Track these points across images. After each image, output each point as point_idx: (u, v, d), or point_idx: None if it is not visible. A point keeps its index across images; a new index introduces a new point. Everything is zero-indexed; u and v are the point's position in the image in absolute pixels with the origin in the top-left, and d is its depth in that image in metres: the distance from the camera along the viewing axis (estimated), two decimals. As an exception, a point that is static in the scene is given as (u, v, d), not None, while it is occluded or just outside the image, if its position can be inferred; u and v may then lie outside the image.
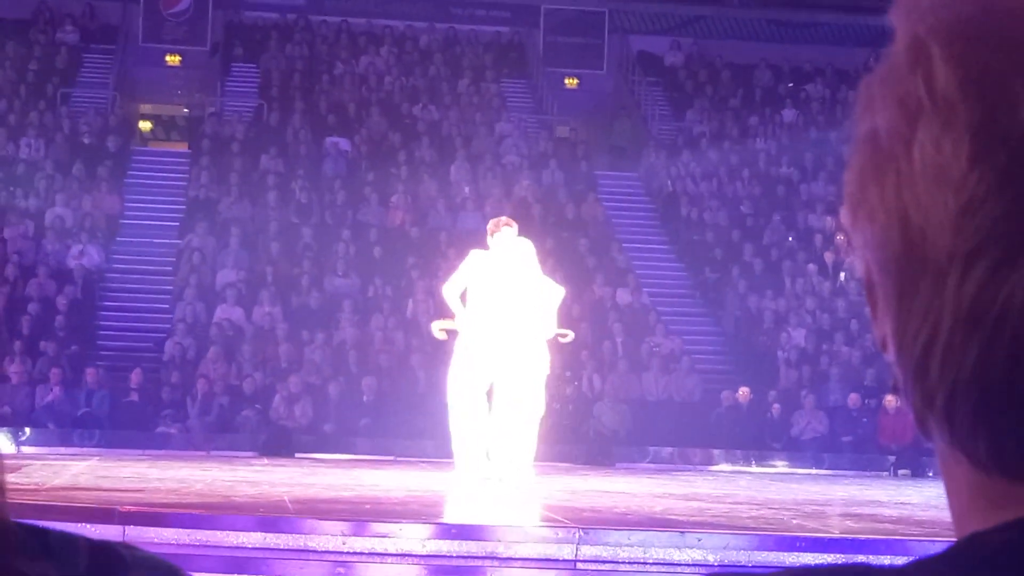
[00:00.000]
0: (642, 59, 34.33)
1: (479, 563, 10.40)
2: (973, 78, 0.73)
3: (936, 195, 0.74)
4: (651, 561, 10.37)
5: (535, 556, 10.51)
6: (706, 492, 14.75)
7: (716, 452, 22.49)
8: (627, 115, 33.32)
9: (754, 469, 21.61)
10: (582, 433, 23.07)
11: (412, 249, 26.97)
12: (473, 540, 10.74)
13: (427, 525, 10.92)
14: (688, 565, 10.29)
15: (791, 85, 33.60)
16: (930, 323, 0.76)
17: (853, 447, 22.50)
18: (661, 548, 10.46)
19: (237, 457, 19.82)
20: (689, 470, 19.84)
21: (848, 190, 0.81)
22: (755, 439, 22.72)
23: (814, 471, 21.36)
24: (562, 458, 21.88)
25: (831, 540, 10.48)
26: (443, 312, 15.24)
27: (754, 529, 10.84)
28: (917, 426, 0.79)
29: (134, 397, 23.07)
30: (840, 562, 0.80)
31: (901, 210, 0.76)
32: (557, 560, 10.39)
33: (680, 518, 11.34)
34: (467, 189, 29.02)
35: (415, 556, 10.45)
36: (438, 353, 24.41)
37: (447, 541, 10.68)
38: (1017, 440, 0.74)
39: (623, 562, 10.34)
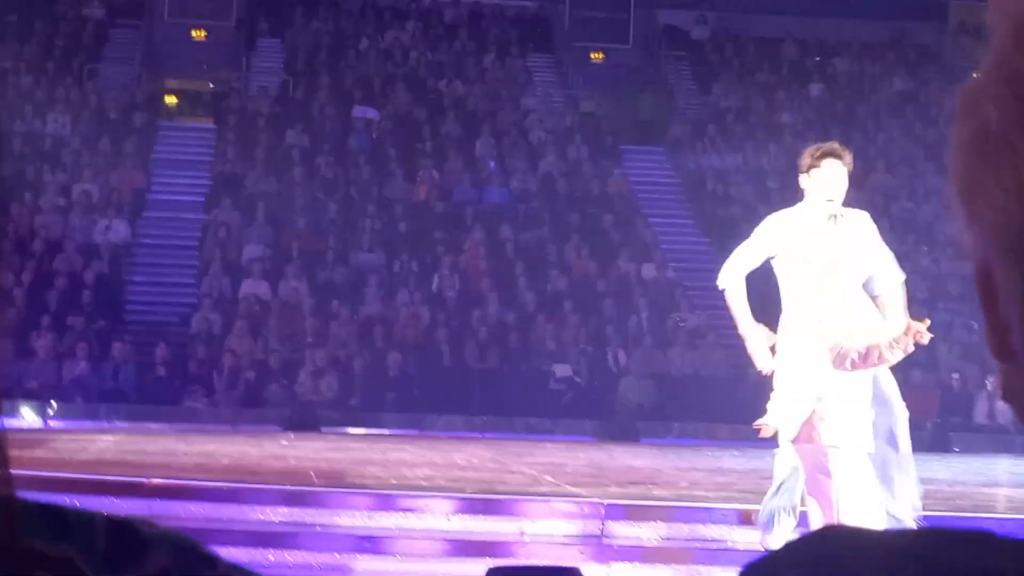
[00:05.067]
0: (668, 33, 34.22)
1: (504, 538, 10.41)
2: None
3: None
4: (677, 536, 10.38)
5: (560, 531, 10.53)
6: (732, 467, 14.75)
7: (742, 428, 22.44)
8: (653, 90, 33.23)
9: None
10: (608, 407, 23.08)
11: (438, 224, 26.97)
12: (499, 515, 10.77)
13: (452, 500, 10.94)
14: (714, 540, 10.29)
15: (818, 59, 33.46)
16: None
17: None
18: (687, 524, 10.47)
19: (263, 432, 19.89)
20: (715, 445, 19.83)
21: (958, 189, 0.81)
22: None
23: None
24: (587, 432, 21.91)
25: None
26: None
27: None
28: None
29: (160, 371, 23.14)
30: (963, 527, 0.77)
31: (1021, 184, 0.77)
32: (583, 535, 10.41)
33: (707, 493, 11.33)
34: (492, 164, 28.99)
35: (441, 530, 10.48)
36: (464, 329, 24.46)
37: (473, 516, 10.70)
38: None
39: (649, 537, 10.35)
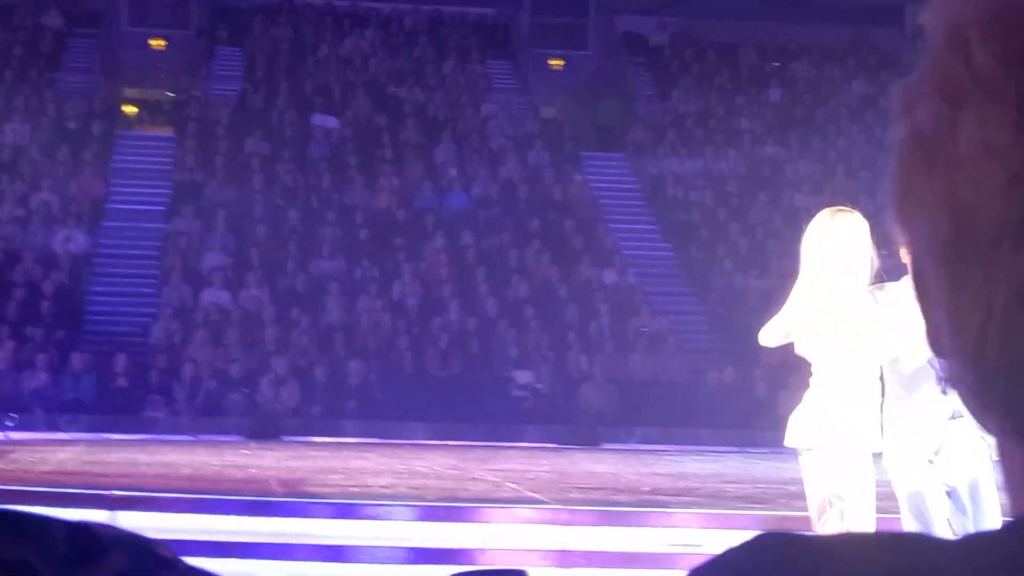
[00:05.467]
0: (627, 39, 34.29)
1: (466, 545, 10.41)
2: (1012, 54, 0.75)
3: (984, 170, 0.75)
4: (639, 541, 10.40)
5: (523, 538, 10.53)
6: (693, 471, 14.78)
7: (703, 432, 22.53)
8: (613, 95, 33.29)
9: (741, 449, 21.64)
10: (569, 413, 23.10)
11: (398, 231, 26.96)
12: (461, 522, 10.77)
13: (415, 507, 10.93)
14: (676, 545, 10.31)
15: (777, 64, 33.59)
16: (985, 302, 0.76)
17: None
18: (648, 528, 10.49)
19: (224, 441, 19.83)
20: (676, 450, 19.88)
21: (893, 190, 0.83)
22: (742, 418, 22.75)
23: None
24: (548, 438, 21.92)
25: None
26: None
27: (743, 507, 10.87)
28: (975, 417, 0.79)
29: (121, 382, 23.05)
30: (898, 531, 0.79)
31: (950, 192, 0.77)
32: (545, 542, 10.41)
33: (667, 498, 11.36)
34: (453, 171, 29.00)
35: (403, 538, 10.47)
36: (425, 336, 24.44)
37: (435, 523, 10.70)
38: None
39: (611, 543, 10.37)
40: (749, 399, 23.22)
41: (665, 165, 29.80)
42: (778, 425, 23.18)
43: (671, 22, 34.47)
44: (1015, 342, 0.75)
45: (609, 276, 26.37)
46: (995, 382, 0.76)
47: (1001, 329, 0.75)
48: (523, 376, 23.69)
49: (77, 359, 23.09)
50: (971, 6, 0.78)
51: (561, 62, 34.71)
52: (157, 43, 33.90)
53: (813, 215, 8.28)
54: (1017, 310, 0.74)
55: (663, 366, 24.35)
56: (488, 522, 10.67)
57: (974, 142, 0.76)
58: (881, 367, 7.30)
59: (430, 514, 10.78)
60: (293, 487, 11.86)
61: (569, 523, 10.48)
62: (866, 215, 7.36)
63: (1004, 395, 0.76)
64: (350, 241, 26.75)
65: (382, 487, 11.90)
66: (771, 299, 27.26)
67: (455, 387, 23.37)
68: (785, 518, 10.57)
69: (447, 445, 20.10)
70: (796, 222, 30.80)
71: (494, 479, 13.07)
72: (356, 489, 11.69)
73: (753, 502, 11.12)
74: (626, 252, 27.44)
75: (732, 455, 19.23)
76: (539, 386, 23.63)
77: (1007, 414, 0.76)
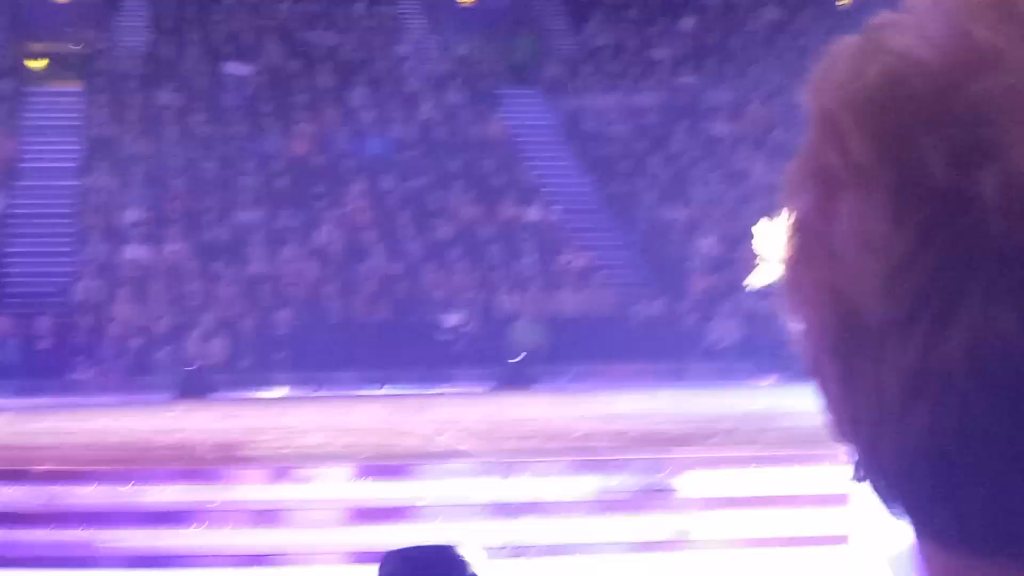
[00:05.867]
0: (539, -28, 34.04)
1: (402, 503, 10.37)
2: (886, 141, 0.72)
3: (864, 263, 0.72)
4: (573, 490, 10.40)
5: (457, 493, 10.50)
6: (626, 411, 14.80)
7: (634, 366, 22.57)
8: (526, 32, 33.09)
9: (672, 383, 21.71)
10: (499, 354, 23.08)
11: (318, 178, 26.74)
12: (397, 478, 10.72)
13: (349, 466, 10.88)
14: (612, 491, 10.32)
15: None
16: (876, 398, 0.73)
17: (773, 351, 22.55)
18: (585, 476, 10.48)
19: (153, 401, 19.64)
20: (609, 387, 19.91)
21: (783, 279, 0.78)
22: (672, 351, 22.82)
23: (733, 382, 21.41)
24: (480, 380, 21.90)
25: (751, 457, 10.54)
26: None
27: (679, 447, 10.88)
28: (888, 511, 0.75)
29: (45, 344, 22.77)
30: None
31: (833, 286, 0.74)
32: (480, 495, 10.38)
33: (601, 444, 11.36)
34: (370, 114, 28.76)
35: (337, 499, 10.42)
36: (351, 282, 24.32)
37: (371, 481, 10.64)
38: (981, 509, 0.71)
39: (546, 492, 10.36)
40: (678, 331, 23.29)
41: (582, 100, 29.69)
42: (707, 357, 23.40)
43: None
44: (909, 440, 0.71)
45: (532, 214, 26.32)
46: (893, 478, 0.73)
47: (895, 427, 0.72)
48: (451, 318, 23.63)
49: (-2, 324, 22.80)
50: (844, 91, 0.74)
51: (472, 0, 34.43)
52: (61, -4, 33.30)
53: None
54: (908, 408, 0.71)
55: (591, 302, 24.36)
56: (426, 476, 10.63)
57: (853, 234, 0.73)
58: None
59: (363, 472, 10.72)
60: (224, 451, 11.76)
61: (506, 473, 10.45)
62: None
63: (904, 491, 0.73)
64: (269, 190, 26.51)
65: (314, 446, 11.82)
66: (695, 229, 27.28)
67: (383, 333, 23.28)
68: (718, 459, 10.61)
69: (378, 394, 20.04)
70: (715, 150, 30.93)
71: (425, 431, 13.02)
72: (288, 450, 11.60)
73: (685, 443, 11.14)
74: (548, 189, 27.37)
75: (664, 390, 19.25)
76: (467, 328, 23.58)
77: (912, 508, 0.73)
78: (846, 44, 0.76)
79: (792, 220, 0.77)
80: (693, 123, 28.34)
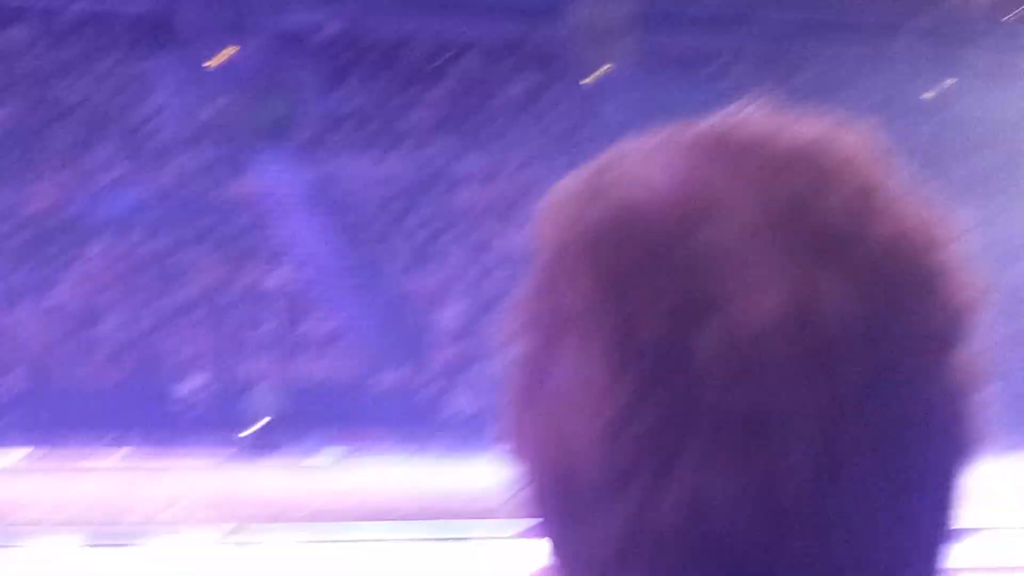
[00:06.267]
0: (294, 34, 33.95)
1: (131, 573, 10.11)
2: (608, 288, 0.68)
3: (585, 414, 0.68)
4: (313, 559, 10.28)
5: (189, 562, 10.28)
6: (365, 482, 14.71)
7: (376, 433, 22.46)
8: (280, 92, 32.92)
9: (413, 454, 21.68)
10: (239, 420, 22.75)
11: (57, 235, 26.07)
12: (125, 547, 10.45)
13: (75, 535, 10.58)
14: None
15: (441, 61, 33.77)
16: (597, 550, 0.69)
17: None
18: (330, 544, 10.37)
19: None
20: (350, 456, 19.76)
21: (505, 421, 0.73)
22: (413, 420, 22.81)
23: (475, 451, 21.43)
24: (220, 444, 21.53)
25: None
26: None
27: (423, 522, 10.84)
28: None
29: None
30: None
31: (554, 433, 0.69)
32: (211, 565, 10.19)
33: (337, 514, 11.25)
34: (115, 171, 28.22)
35: (63, 571, 10.10)
36: (86, 344, 23.70)
37: (97, 550, 10.35)
38: None
39: (281, 562, 10.22)
40: (420, 400, 23.30)
41: (332, 164, 29.63)
42: (447, 426, 23.49)
43: (337, 18, 34.28)
44: None
45: (277, 278, 26.10)
46: None
47: None
48: (190, 383, 23.23)
49: None
50: (568, 233, 0.70)
51: (227, 57, 34.15)
52: None
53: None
54: (626, 563, 0.67)
55: (334, 369, 24.21)
56: (152, 547, 10.38)
57: (574, 381, 0.68)
58: None
59: (92, 540, 10.43)
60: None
61: (239, 546, 10.28)
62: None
63: None
64: (6, 247, 25.75)
65: (40, 516, 11.43)
66: (440, 297, 27.50)
67: (120, 396, 22.75)
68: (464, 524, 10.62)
69: (113, 460, 19.55)
70: (463, 220, 31.20)
71: (158, 500, 12.72)
72: (7, 522, 11.19)
73: (425, 517, 11.11)
74: (294, 253, 27.19)
75: (405, 460, 19.21)
76: (207, 393, 23.20)
77: None
78: (572, 182, 0.72)
79: (515, 362, 0.72)
80: (442, 192, 28.50)
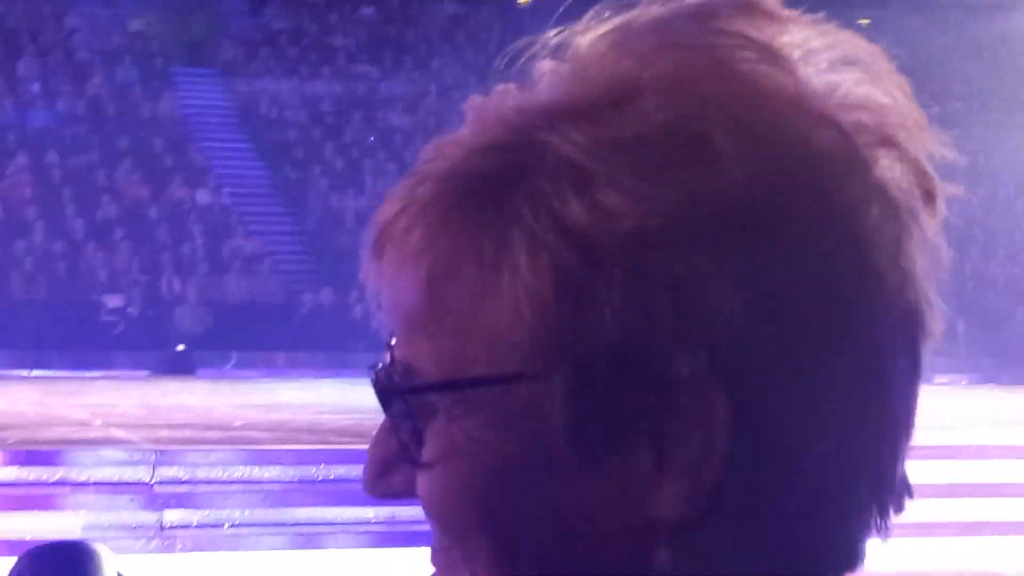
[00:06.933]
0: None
1: (51, 489, 10.01)
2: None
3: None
4: (230, 480, 10.21)
5: (111, 480, 10.19)
6: (288, 401, 14.66)
7: (299, 355, 22.39)
8: (203, 10, 32.47)
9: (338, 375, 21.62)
10: (162, 338, 22.60)
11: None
12: (44, 466, 10.34)
13: (-7, 452, 10.44)
14: (268, 482, 10.18)
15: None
16: None
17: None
18: (241, 466, 10.30)
19: None
20: (273, 376, 19.70)
21: None
22: (339, 341, 22.72)
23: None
24: (141, 365, 21.39)
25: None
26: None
27: (336, 442, 10.80)
28: None
29: None
30: None
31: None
32: (133, 483, 10.10)
33: (260, 434, 11.19)
34: (36, 86, 27.79)
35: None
36: (8, 259, 23.43)
37: (16, 467, 10.24)
38: None
39: (201, 482, 10.14)
40: (346, 321, 23.20)
41: (258, 84, 29.32)
42: (374, 347, 23.57)
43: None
44: None
45: (202, 196, 25.85)
46: None
47: None
48: (113, 300, 23.01)
49: None
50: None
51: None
52: None
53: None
54: None
55: (259, 288, 24.07)
56: (75, 464, 10.27)
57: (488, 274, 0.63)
58: None
59: (11, 458, 10.30)
60: None
61: (159, 463, 10.19)
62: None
63: None
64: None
65: (-43, 430, 11.28)
66: (367, 219, 27.56)
67: (41, 313, 22.51)
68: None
69: (32, 377, 19.37)
70: (391, 141, 31.12)
71: (80, 416, 12.61)
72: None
73: (349, 435, 11.06)
74: (219, 172, 26.93)
75: (328, 381, 19.14)
76: (130, 310, 23.01)
77: None
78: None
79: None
80: (369, 113, 28.29)
